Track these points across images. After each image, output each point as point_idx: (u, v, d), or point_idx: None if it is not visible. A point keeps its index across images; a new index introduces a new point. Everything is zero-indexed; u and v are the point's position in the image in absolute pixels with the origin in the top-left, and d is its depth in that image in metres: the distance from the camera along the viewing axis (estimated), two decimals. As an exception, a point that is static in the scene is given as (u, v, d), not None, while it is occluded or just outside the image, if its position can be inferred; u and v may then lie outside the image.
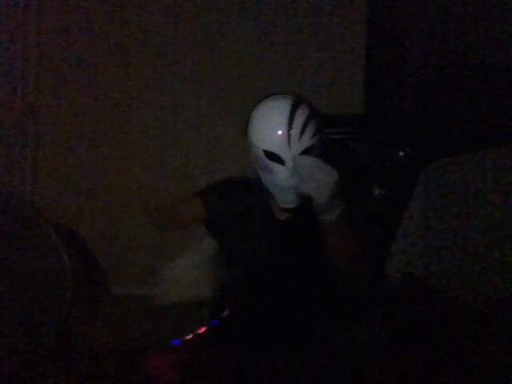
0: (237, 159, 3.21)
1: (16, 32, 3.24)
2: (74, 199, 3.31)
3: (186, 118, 3.31)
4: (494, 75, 2.96)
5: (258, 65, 3.29)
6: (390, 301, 2.10)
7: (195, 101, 3.31)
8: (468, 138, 2.71)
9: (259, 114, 1.77)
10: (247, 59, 3.29)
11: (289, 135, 1.70)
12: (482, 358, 1.76)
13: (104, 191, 3.32)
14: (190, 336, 1.77)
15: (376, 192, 2.83)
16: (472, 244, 1.92)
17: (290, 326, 1.77)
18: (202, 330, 1.77)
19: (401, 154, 2.85)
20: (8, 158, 3.24)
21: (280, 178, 1.73)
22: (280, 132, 1.71)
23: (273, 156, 1.72)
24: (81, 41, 3.30)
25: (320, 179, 1.58)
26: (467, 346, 1.81)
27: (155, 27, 3.30)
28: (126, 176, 3.32)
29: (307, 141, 1.72)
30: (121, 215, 3.31)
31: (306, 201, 1.72)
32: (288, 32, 3.28)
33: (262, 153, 1.73)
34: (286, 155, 1.71)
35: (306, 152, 1.72)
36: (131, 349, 1.93)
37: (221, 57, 3.30)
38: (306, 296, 1.81)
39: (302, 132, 1.71)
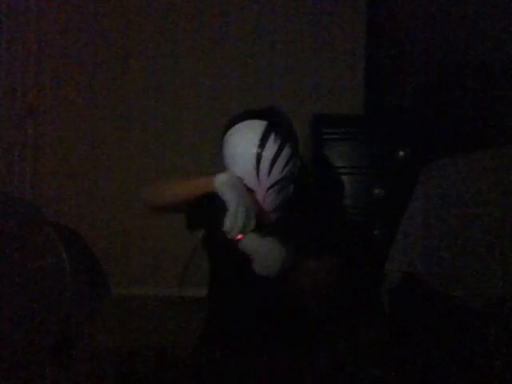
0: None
1: (16, 32, 3.24)
2: (74, 199, 3.31)
3: (186, 118, 3.31)
4: (493, 75, 2.96)
5: (258, 65, 3.29)
6: (390, 301, 2.10)
7: (195, 101, 3.31)
8: (468, 138, 2.71)
9: (230, 143, 1.75)
10: (247, 59, 3.29)
11: (258, 173, 1.70)
12: (482, 358, 1.76)
13: (104, 191, 3.32)
14: None
15: (376, 192, 2.83)
16: (472, 244, 1.92)
17: (290, 326, 1.77)
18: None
19: (401, 153, 2.86)
20: (8, 157, 3.25)
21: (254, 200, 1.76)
22: (248, 170, 1.70)
23: (245, 185, 1.73)
24: (81, 41, 3.30)
25: (268, 259, 1.61)
26: (467, 345, 1.81)
27: (155, 27, 3.30)
28: (126, 176, 3.32)
29: (276, 175, 1.72)
30: (121, 215, 3.31)
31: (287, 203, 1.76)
32: (288, 32, 3.28)
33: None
34: (256, 187, 1.72)
35: (277, 182, 1.73)
36: (131, 349, 1.93)
37: (221, 57, 3.30)
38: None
39: (271, 168, 1.70)
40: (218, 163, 3.34)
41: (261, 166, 1.70)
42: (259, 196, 1.73)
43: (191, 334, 1.93)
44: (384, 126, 2.97)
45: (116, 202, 3.31)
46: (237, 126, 1.76)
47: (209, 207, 1.81)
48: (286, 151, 1.73)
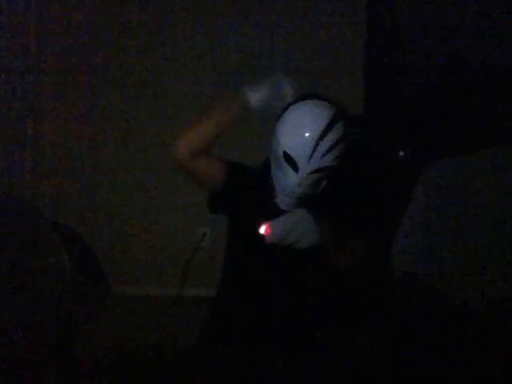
0: (236, 158, 3.21)
1: (16, 32, 3.24)
2: (74, 199, 3.31)
3: (186, 118, 3.31)
4: (493, 75, 2.96)
5: (258, 65, 3.29)
6: (390, 301, 2.10)
7: (195, 101, 3.31)
8: (468, 138, 2.71)
9: (295, 115, 1.74)
10: (247, 59, 3.29)
11: (314, 150, 1.69)
12: (482, 358, 1.76)
13: (104, 191, 3.32)
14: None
15: (401, 154, 2.80)
16: (472, 244, 1.93)
17: (291, 327, 1.77)
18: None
19: (401, 153, 2.85)
20: (8, 158, 3.24)
21: (289, 182, 1.73)
22: (307, 144, 1.69)
23: (290, 160, 1.71)
24: (81, 41, 3.30)
25: (304, 233, 1.64)
26: (467, 345, 1.81)
27: (155, 27, 3.30)
28: (126, 176, 3.32)
29: (328, 161, 1.71)
30: (121, 215, 3.31)
31: (306, 203, 1.75)
32: (288, 32, 3.28)
33: (281, 152, 1.73)
34: (302, 166, 1.70)
35: (323, 169, 1.71)
36: (131, 349, 1.93)
37: (221, 56, 3.30)
38: (305, 291, 1.81)
39: (327, 152, 1.70)
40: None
41: (318, 147, 1.70)
42: (300, 175, 1.72)
43: (191, 333, 1.93)
44: (384, 125, 2.96)
45: (116, 202, 3.31)
46: (306, 102, 1.76)
47: (233, 192, 1.81)
48: (343, 144, 1.73)
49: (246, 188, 1.86)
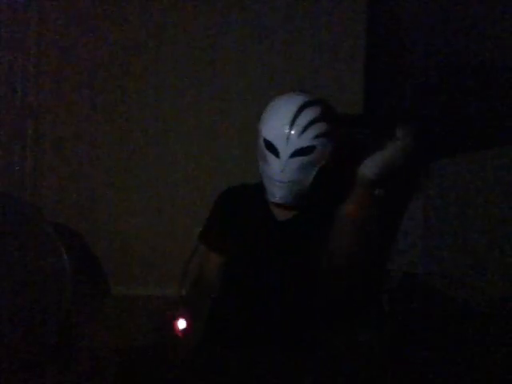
0: (236, 159, 3.21)
1: (16, 32, 3.24)
2: (74, 199, 3.30)
3: (186, 118, 3.31)
4: (493, 75, 2.96)
5: (258, 65, 3.29)
6: (390, 301, 2.10)
7: (195, 101, 3.31)
8: (468, 137, 2.72)
9: (271, 105, 1.83)
10: (247, 59, 3.29)
11: (289, 130, 1.73)
12: (482, 358, 1.76)
13: (104, 191, 3.32)
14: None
15: (376, 192, 2.82)
16: (472, 244, 1.93)
17: (290, 327, 1.77)
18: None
19: (401, 153, 2.84)
20: (8, 158, 3.24)
21: (272, 169, 1.77)
22: (282, 125, 1.74)
23: (270, 146, 1.76)
24: (81, 41, 3.30)
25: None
26: (467, 345, 1.81)
27: (155, 27, 3.30)
28: (126, 176, 3.31)
29: (307, 140, 1.74)
30: (121, 215, 3.31)
31: (299, 202, 1.77)
32: (288, 32, 3.28)
33: (262, 141, 1.78)
34: (282, 148, 1.74)
35: (303, 151, 1.74)
36: (131, 349, 1.93)
37: (221, 57, 3.30)
38: (303, 296, 1.81)
39: (303, 131, 1.73)
40: (217, 163, 3.34)
41: (293, 127, 1.74)
42: (281, 159, 1.74)
43: (190, 333, 1.93)
44: (384, 126, 2.96)
45: (116, 201, 3.31)
46: (283, 94, 1.86)
47: (225, 225, 1.86)
48: (321, 124, 1.77)
49: (240, 212, 1.93)
